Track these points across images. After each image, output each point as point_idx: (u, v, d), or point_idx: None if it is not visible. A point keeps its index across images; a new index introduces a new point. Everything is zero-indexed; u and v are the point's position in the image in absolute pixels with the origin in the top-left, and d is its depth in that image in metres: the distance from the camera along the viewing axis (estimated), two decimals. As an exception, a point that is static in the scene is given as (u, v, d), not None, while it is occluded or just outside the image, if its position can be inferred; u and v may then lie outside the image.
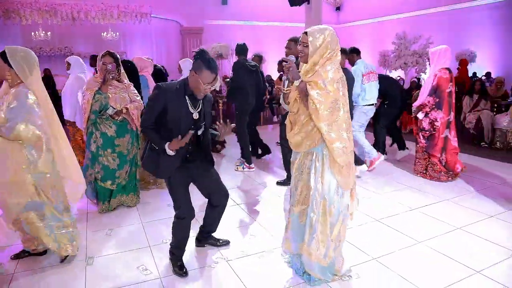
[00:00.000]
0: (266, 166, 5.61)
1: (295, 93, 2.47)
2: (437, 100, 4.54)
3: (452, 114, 4.65)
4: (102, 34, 11.88)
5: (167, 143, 2.43)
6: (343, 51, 4.63)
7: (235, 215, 3.77)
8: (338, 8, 16.41)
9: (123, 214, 3.78)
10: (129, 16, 11.41)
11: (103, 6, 11.00)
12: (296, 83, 2.46)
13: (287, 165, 4.56)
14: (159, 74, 5.17)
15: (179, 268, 2.70)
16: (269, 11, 14.39)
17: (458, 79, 8.95)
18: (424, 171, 4.78)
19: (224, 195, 2.84)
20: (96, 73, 3.84)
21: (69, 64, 4.73)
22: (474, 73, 11.15)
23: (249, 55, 5.60)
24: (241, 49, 5.30)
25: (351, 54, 5.05)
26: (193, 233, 3.00)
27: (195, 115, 2.49)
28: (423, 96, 4.70)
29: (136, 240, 3.23)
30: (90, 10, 10.91)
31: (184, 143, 2.42)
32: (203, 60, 2.33)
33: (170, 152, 2.44)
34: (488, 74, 10.72)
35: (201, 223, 3.04)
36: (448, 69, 4.56)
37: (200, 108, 2.53)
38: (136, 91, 3.82)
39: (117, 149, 3.69)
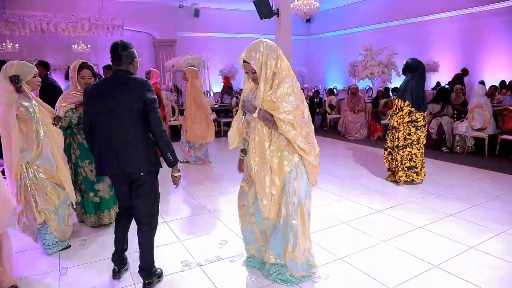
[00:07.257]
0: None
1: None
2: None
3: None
4: (73, 46, 11.78)
5: None
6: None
7: (208, 222, 3.86)
8: (308, 20, 16.87)
9: (96, 225, 3.79)
10: (100, 28, 11.31)
11: (73, 18, 10.89)
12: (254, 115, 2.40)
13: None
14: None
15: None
16: (240, 23, 14.68)
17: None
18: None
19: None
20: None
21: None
22: (438, 82, 11.72)
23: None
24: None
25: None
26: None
27: None
28: None
29: (109, 250, 3.25)
30: (60, 22, 10.77)
31: None
32: None
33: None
34: (450, 83, 11.27)
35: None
36: None
37: None
38: None
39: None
